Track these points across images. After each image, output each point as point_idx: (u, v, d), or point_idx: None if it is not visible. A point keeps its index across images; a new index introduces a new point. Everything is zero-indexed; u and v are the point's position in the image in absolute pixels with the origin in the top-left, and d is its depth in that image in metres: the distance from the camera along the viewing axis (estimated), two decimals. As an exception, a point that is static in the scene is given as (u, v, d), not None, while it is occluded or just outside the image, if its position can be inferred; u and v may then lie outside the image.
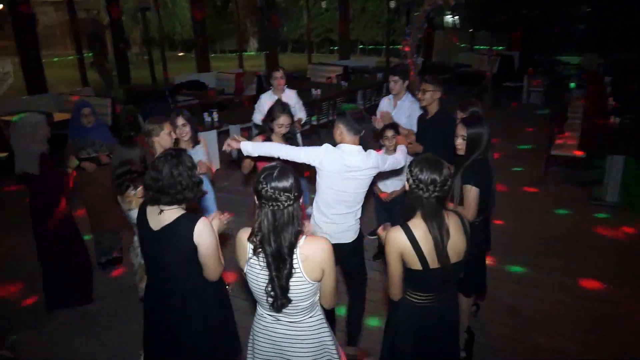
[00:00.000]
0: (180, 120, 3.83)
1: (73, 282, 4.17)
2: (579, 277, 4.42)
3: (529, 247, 5.04)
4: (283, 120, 3.76)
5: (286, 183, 1.96)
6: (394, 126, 4.35)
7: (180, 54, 25.00)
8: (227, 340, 2.61)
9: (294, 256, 2.02)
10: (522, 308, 4.02)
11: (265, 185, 1.97)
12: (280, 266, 2.00)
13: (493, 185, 3.16)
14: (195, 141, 4.00)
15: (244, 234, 2.13)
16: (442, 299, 2.32)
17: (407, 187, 2.23)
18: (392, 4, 18.56)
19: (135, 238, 3.19)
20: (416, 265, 2.19)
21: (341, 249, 2.95)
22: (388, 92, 4.89)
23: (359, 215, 3.16)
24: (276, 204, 1.96)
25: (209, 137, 7.47)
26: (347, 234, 3.12)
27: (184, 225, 2.33)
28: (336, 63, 14.52)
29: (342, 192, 2.98)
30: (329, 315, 2.30)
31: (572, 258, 4.75)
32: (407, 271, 2.25)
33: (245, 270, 2.15)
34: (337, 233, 3.06)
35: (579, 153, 6.58)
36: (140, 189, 2.85)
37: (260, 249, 2.03)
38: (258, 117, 5.47)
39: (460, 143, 3.04)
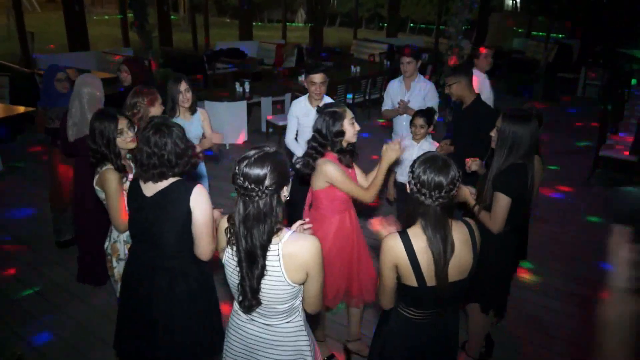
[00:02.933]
0: (183, 85, 3.68)
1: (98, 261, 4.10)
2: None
3: (556, 254, 4.63)
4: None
5: (259, 171, 1.72)
6: (426, 114, 4.03)
7: (228, 20, 24.85)
8: (210, 333, 2.40)
9: (275, 254, 1.79)
10: (546, 322, 3.68)
11: (237, 170, 1.74)
12: (252, 265, 1.78)
13: (531, 195, 2.77)
14: (193, 110, 3.82)
15: (225, 222, 1.92)
16: (439, 315, 2.03)
17: (408, 190, 1.93)
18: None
19: (114, 236, 2.83)
20: (411, 280, 1.90)
21: None
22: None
23: None
24: (246, 193, 1.73)
25: (238, 108, 7.31)
26: None
27: (180, 190, 2.18)
28: (381, 40, 14.00)
29: None
30: (312, 315, 2.05)
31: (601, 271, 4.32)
32: (401, 285, 1.96)
33: (223, 261, 1.94)
34: None
35: (630, 156, 6.02)
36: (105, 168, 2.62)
37: (233, 243, 1.81)
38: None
39: (494, 135, 2.70)
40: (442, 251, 1.84)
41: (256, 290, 1.80)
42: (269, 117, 7.69)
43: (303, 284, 1.88)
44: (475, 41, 14.46)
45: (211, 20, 14.02)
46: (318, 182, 2.73)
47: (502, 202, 2.57)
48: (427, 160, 1.87)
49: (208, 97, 7.28)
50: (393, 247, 1.89)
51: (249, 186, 1.71)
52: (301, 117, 3.94)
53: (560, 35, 16.29)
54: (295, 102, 4.06)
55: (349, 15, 25.10)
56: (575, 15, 14.48)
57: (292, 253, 1.80)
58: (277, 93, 8.22)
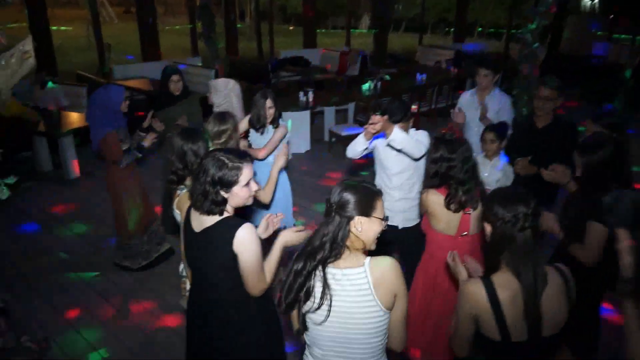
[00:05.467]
0: (268, 103, 3.73)
1: None
2: None
3: None
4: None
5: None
6: (497, 129, 3.76)
7: (291, 27, 25.17)
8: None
9: (362, 276, 1.69)
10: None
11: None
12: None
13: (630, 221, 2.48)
14: (276, 124, 3.81)
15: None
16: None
17: (487, 232, 1.72)
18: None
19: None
20: (494, 334, 1.68)
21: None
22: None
23: None
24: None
25: (301, 117, 7.28)
26: None
27: (224, 231, 2.07)
28: (448, 46, 13.55)
29: None
30: None
31: None
32: (480, 336, 1.75)
33: None
34: None
35: None
36: (185, 191, 2.58)
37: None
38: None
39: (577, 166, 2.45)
40: (533, 283, 1.62)
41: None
42: (332, 127, 7.60)
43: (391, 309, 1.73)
44: (550, 46, 13.68)
45: (275, 27, 14.19)
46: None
47: (598, 232, 2.31)
48: (501, 197, 1.73)
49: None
50: (474, 295, 1.69)
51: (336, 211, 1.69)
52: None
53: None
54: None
55: (414, 20, 24.67)
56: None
57: (381, 274, 1.68)
58: (340, 102, 8.11)
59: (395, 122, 3.08)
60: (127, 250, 4.35)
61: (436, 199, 2.65)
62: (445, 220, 2.67)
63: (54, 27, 10.37)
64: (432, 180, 2.67)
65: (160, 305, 3.94)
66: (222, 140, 3.10)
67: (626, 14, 14.93)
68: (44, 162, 6.75)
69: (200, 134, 2.70)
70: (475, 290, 1.69)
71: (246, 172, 2.08)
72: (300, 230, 2.25)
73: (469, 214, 2.65)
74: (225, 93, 4.29)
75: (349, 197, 1.66)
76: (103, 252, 4.68)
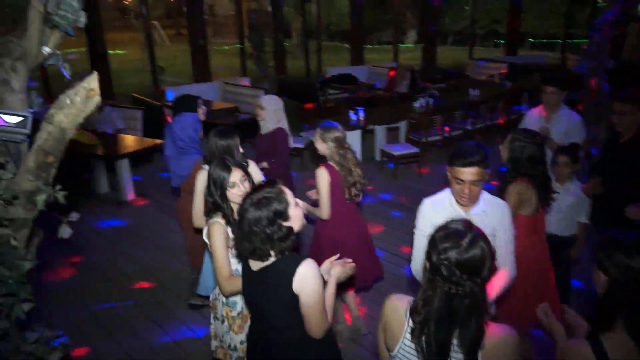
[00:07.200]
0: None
1: None
2: None
3: None
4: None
5: (475, 257, 1.41)
6: (570, 151, 3.49)
7: (339, 44, 25.27)
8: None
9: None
10: None
11: (443, 255, 1.44)
12: None
13: None
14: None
15: (400, 301, 1.64)
16: None
17: (601, 282, 1.49)
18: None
19: (217, 291, 2.66)
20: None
21: None
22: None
23: None
24: (454, 286, 1.43)
25: (352, 137, 7.11)
26: None
27: (284, 269, 1.94)
28: (501, 59, 13.12)
29: None
30: None
31: None
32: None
33: (393, 353, 1.64)
34: None
35: None
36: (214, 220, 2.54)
37: (423, 335, 1.50)
38: None
39: None
40: None
41: None
42: (383, 146, 7.42)
43: None
44: (611, 56, 12.98)
45: (322, 44, 14.22)
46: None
47: None
48: (623, 245, 1.50)
49: (321, 126, 7.19)
50: (581, 357, 1.45)
51: (461, 277, 1.41)
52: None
53: None
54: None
55: (462, 33, 24.19)
56: None
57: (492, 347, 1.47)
58: (392, 120, 7.92)
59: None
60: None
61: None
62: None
63: (110, 51, 10.76)
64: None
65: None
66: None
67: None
68: (101, 184, 6.91)
69: (227, 164, 2.60)
70: (581, 351, 1.46)
71: (286, 191, 2.01)
72: (348, 263, 2.19)
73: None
74: (274, 111, 4.22)
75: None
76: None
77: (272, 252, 1.97)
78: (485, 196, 2.51)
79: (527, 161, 2.87)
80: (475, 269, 1.41)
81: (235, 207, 2.54)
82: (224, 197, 2.54)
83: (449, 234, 1.47)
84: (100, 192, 6.88)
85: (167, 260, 4.97)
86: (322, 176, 3.35)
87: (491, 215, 2.42)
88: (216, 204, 2.55)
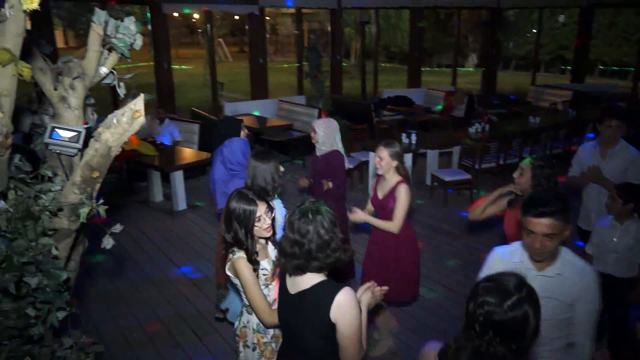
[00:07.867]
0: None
1: None
2: None
3: None
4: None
5: (515, 320, 1.32)
6: (627, 190, 3.31)
7: (397, 65, 25.23)
8: None
9: None
10: None
11: (480, 310, 1.36)
12: None
13: None
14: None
15: (432, 351, 1.60)
16: None
17: None
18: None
19: (245, 319, 2.58)
20: None
21: None
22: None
23: None
24: (485, 345, 1.34)
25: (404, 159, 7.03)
26: None
27: (322, 296, 1.91)
28: (565, 86, 12.59)
29: None
30: None
31: None
32: None
33: None
34: None
35: None
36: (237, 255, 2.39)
37: None
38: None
39: None
40: None
41: None
42: (434, 171, 7.27)
43: None
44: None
45: (380, 66, 14.25)
46: None
47: None
48: None
49: (373, 147, 7.15)
50: None
51: (494, 338, 1.33)
52: None
53: None
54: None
55: (526, 58, 23.47)
56: None
57: None
58: (445, 145, 7.77)
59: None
60: (219, 298, 4.23)
61: None
62: None
63: (176, 66, 11.28)
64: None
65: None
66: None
67: None
68: (156, 193, 7.20)
69: (252, 198, 2.44)
70: None
71: (333, 210, 2.01)
72: (377, 288, 2.16)
73: None
74: (328, 133, 4.25)
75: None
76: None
77: (314, 266, 1.93)
78: (566, 256, 2.17)
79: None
80: (512, 334, 1.31)
81: (262, 242, 2.50)
82: (249, 233, 2.39)
83: (495, 288, 1.36)
84: (155, 201, 7.16)
85: (210, 269, 5.08)
86: (406, 192, 3.43)
87: (570, 280, 2.10)
88: (238, 240, 2.40)
